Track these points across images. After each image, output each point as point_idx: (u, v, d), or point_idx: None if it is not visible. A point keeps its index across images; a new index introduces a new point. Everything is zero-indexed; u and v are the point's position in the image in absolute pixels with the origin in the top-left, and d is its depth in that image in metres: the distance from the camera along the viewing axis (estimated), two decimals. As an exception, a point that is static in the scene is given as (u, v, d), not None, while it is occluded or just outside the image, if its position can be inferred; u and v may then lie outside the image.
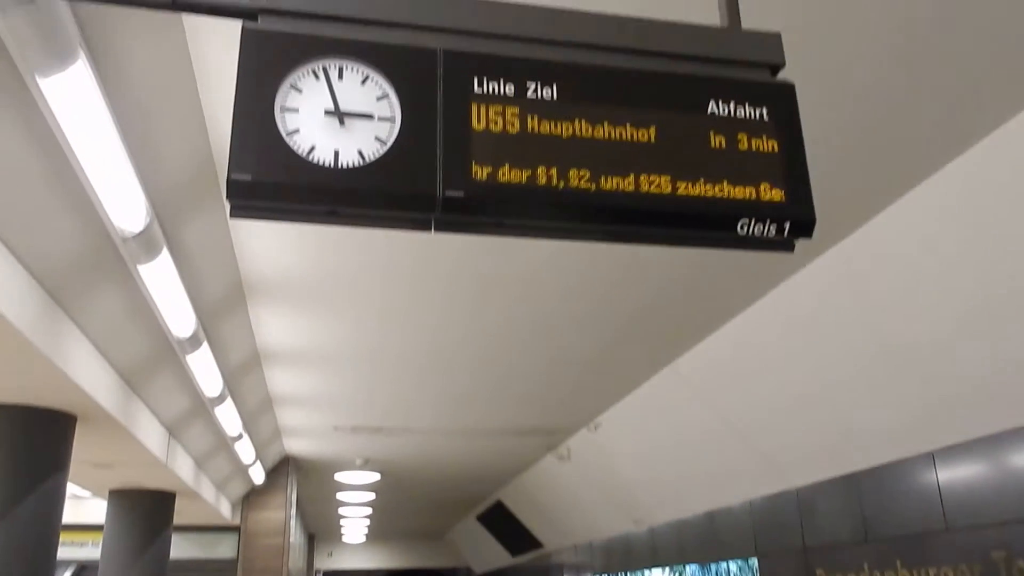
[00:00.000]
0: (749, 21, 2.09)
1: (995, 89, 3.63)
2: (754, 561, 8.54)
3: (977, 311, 4.85)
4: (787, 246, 1.89)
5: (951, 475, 5.87)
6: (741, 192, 1.82)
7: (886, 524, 6.54)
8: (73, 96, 2.80)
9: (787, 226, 1.83)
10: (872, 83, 3.57)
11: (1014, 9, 3.12)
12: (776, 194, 1.84)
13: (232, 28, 1.75)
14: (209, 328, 5.66)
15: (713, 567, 9.49)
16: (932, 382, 5.52)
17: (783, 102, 1.95)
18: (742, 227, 1.81)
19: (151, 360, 5.81)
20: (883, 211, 4.79)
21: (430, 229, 1.71)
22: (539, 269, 5.59)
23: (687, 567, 10.21)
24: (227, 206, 1.64)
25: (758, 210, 1.81)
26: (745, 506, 8.77)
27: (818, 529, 7.47)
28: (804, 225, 1.85)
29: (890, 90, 3.62)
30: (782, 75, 2.03)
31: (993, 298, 4.70)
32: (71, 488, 9.04)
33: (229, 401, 7.15)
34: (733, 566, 9.00)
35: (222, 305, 5.73)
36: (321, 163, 1.63)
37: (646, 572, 11.49)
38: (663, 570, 10.93)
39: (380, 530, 24.24)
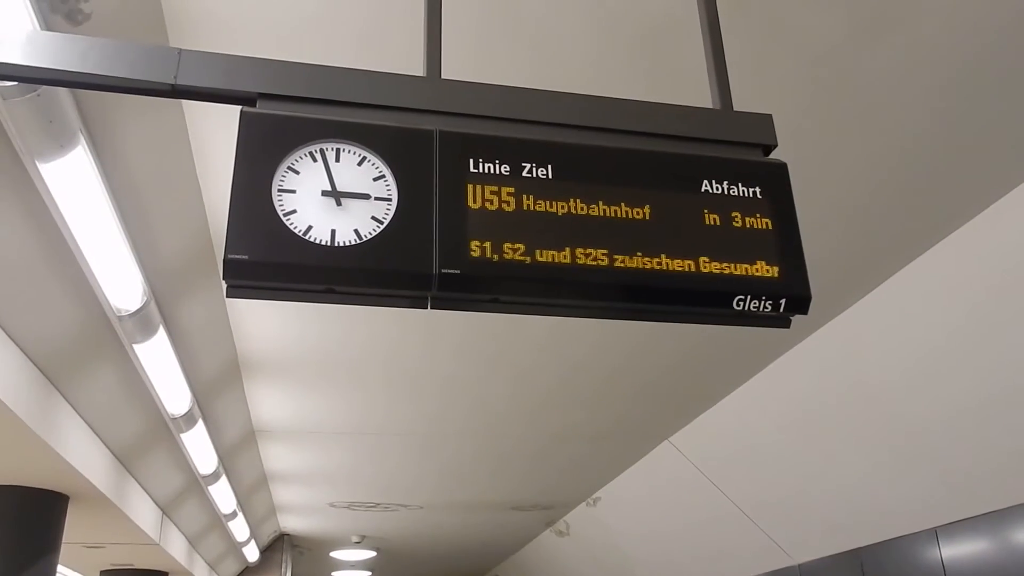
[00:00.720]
0: (741, 103, 2.13)
1: (997, 159, 3.67)
2: (757, 639, 8.33)
3: (980, 385, 4.83)
4: (783, 322, 1.89)
5: (955, 551, 5.77)
6: (736, 269, 1.83)
7: (892, 601, 6.40)
8: (73, 180, 2.84)
9: (783, 303, 1.84)
10: (867, 158, 3.62)
11: (1008, 87, 3.19)
12: (771, 271, 1.85)
13: (231, 110, 1.78)
14: (204, 406, 5.61)
15: (717, 647, 9.24)
16: (935, 457, 5.46)
17: (776, 181, 1.98)
18: (738, 303, 1.81)
19: (145, 439, 5.75)
20: (881, 284, 4.80)
21: (427, 306, 1.72)
22: (540, 349, 5.60)
23: (691, 647, 9.94)
24: (224, 285, 1.64)
25: (753, 287, 1.82)
26: (748, 583, 8.59)
27: (823, 606, 7.30)
28: (799, 301, 1.86)
29: (887, 164, 3.67)
30: (775, 154, 2.07)
31: (996, 373, 4.68)
32: (62, 570, 8.86)
33: (224, 479, 7.06)
34: (737, 645, 8.77)
35: (218, 383, 5.70)
36: (318, 242, 1.64)
37: (649, 653, 11.18)
38: (666, 650, 10.64)
39: (376, 610, 23.69)
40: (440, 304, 1.71)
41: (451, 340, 5.44)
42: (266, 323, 5.10)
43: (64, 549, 5.64)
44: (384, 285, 1.67)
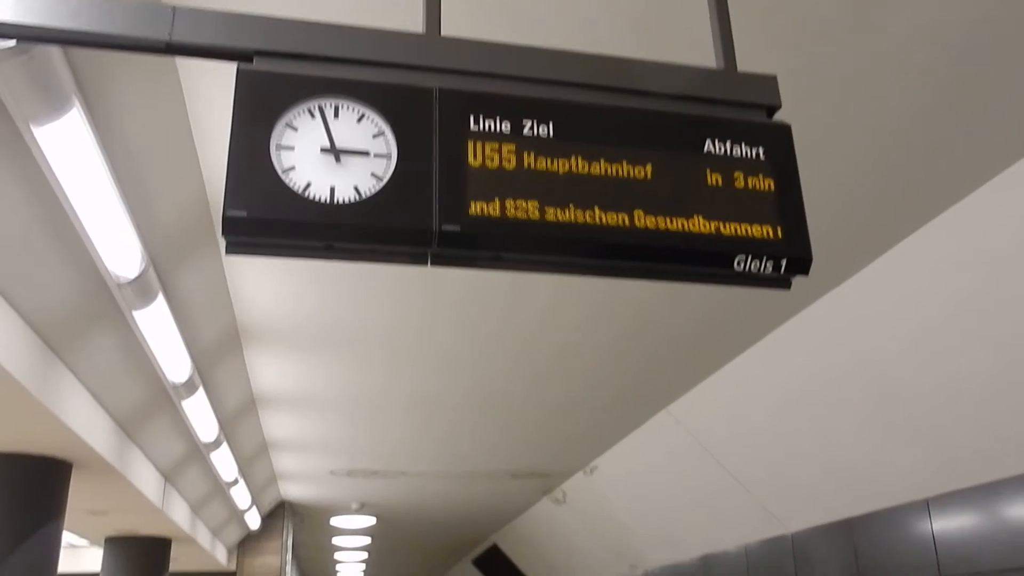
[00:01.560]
0: (745, 64, 2.11)
1: (1000, 131, 3.64)
2: (750, 606, 8.43)
3: (979, 360, 4.84)
4: (784, 283, 1.88)
5: (945, 523, 5.81)
6: (737, 229, 1.82)
7: (880, 570, 6.45)
8: (67, 144, 2.81)
9: (784, 263, 1.83)
10: (872, 126, 3.60)
11: (1017, 56, 3.16)
12: (772, 232, 1.84)
13: (227, 70, 1.76)
14: (205, 373, 5.62)
15: (710, 611, 9.36)
16: (930, 430, 5.48)
17: (779, 142, 1.96)
18: (739, 264, 1.81)
19: (147, 406, 5.77)
20: (883, 255, 4.78)
21: (426, 263, 1.71)
22: (539, 322, 5.60)
23: (684, 611, 10.06)
24: (222, 245, 1.63)
25: (754, 247, 1.81)
26: (740, 550, 8.66)
27: (813, 574, 7.37)
28: (801, 263, 1.85)
29: (892, 132, 3.64)
30: (778, 116, 2.05)
31: (996, 349, 4.68)
32: (68, 537, 8.94)
33: (225, 446, 7.09)
34: (729, 610, 8.88)
35: (218, 351, 5.70)
36: (317, 199, 1.63)
37: (644, 617, 11.32)
38: (661, 615, 10.77)
39: (376, 575, 23.98)
40: (440, 261, 1.71)
41: (450, 313, 5.44)
42: (265, 292, 5.09)
43: (69, 515, 5.68)
44: (384, 242, 1.66)
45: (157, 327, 4.39)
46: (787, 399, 6.42)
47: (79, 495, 5.88)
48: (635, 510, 10.18)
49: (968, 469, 5.45)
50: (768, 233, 1.83)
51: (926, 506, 5.94)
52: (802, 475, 6.99)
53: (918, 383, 5.31)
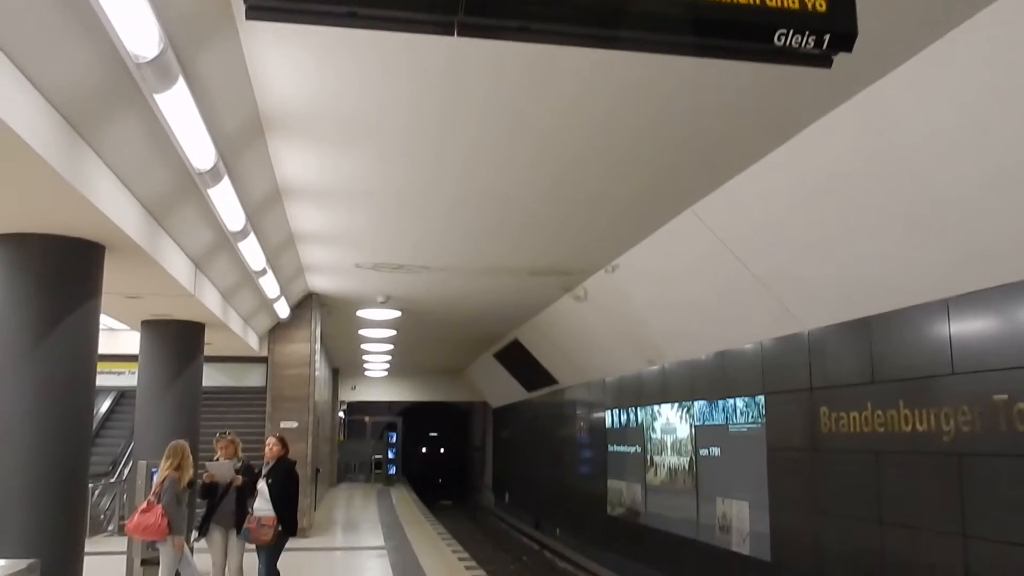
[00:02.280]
0: None
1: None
2: (761, 398, 8.77)
3: (1003, 164, 4.74)
4: (824, 61, 1.81)
5: (963, 322, 5.90)
6: (780, 1, 1.72)
7: (894, 367, 6.65)
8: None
9: (827, 39, 1.75)
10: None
11: None
12: (818, 3, 1.74)
13: None
14: (229, 162, 5.62)
15: (720, 403, 9.77)
16: (955, 228, 5.46)
17: None
18: (780, 38, 1.72)
19: (174, 193, 5.82)
20: (916, 55, 4.58)
21: (453, 33, 1.64)
22: (566, 111, 5.49)
23: (695, 403, 10.51)
24: (241, 26, 1.58)
25: (798, 20, 1.72)
26: (756, 347, 8.92)
27: (826, 370, 7.62)
28: (844, 38, 1.77)
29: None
30: None
31: (1021, 146, 4.57)
32: (108, 321, 9.33)
33: (252, 236, 7.21)
34: (740, 402, 9.26)
35: (241, 139, 5.67)
36: (338, -40, 1.56)
37: (656, 407, 11.86)
38: (672, 405, 11.28)
39: (401, 366, 25.02)
40: (467, 31, 1.64)
41: (473, 102, 5.33)
42: (285, 78, 4.99)
43: (105, 299, 5.90)
44: (408, 8, 1.59)
45: (179, 111, 4.35)
46: (812, 198, 6.38)
47: (114, 278, 6.07)
48: (655, 307, 10.43)
49: (990, 269, 5.48)
50: (813, 5, 1.74)
51: (945, 306, 6.02)
52: (823, 274, 7.07)
53: (943, 181, 5.25)
